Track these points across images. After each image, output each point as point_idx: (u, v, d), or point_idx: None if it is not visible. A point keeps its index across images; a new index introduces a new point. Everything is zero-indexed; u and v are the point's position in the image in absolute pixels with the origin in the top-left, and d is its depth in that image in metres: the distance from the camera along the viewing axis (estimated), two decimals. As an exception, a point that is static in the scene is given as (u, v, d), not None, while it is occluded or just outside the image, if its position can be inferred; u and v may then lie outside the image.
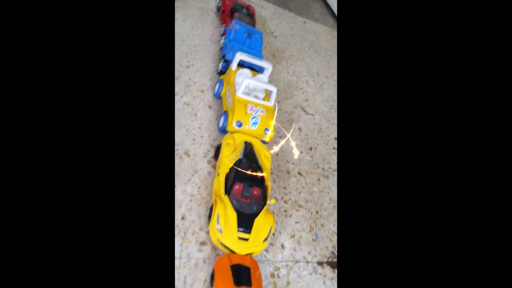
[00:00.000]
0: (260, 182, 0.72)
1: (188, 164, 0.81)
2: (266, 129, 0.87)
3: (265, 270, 0.71)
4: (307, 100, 1.27)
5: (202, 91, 1.02)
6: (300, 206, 0.89)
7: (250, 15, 1.25)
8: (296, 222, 0.85)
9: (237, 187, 0.69)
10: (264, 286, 0.67)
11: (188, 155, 0.83)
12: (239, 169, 0.71)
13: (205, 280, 0.64)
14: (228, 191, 0.70)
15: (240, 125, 0.85)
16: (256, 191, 0.70)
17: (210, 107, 0.99)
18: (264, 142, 0.88)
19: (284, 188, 0.91)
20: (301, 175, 0.97)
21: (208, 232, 0.71)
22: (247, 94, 0.90)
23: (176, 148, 0.83)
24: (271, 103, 0.91)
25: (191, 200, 0.75)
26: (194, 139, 0.87)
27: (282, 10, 1.74)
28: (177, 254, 0.65)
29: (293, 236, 0.81)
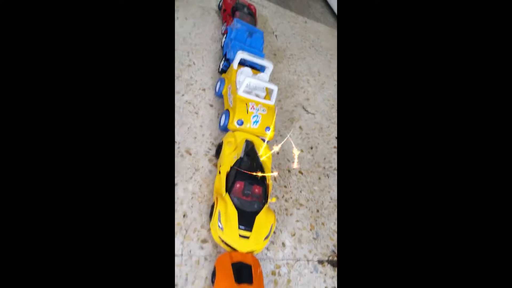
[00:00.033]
0: (261, 180, 0.72)
1: (189, 162, 0.81)
2: (267, 128, 0.88)
3: (266, 268, 0.71)
4: (308, 99, 1.27)
5: (203, 90, 1.02)
6: (301, 204, 0.89)
7: (251, 14, 1.25)
8: (297, 221, 0.85)
9: (238, 185, 0.69)
10: (265, 284, 0.67)
11: (190, 153, 0.83)
12: (240, 168, 0.71)
13: (206, 277, 0.64)
14: (229, 189, 0.70)
15: (241, 123, 0.85)
16: (257, 189, 0.70)
17: (211, 105, 0.99)
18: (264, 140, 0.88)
19: (285, 186, 0.91)
20: (301, 173, 0.98)
21: (209, 230, 0.71)
22: (248, 92, 0.90)
23: (177, 146, 0.83)
24: (272, 101, 0.91)
25: (192, 198, 0.75)
26: (195, 138, 0.88)
27: (283, 9, 1.75)
28: (178, 252, 0.65)
29: (294, 235, 0.81)
